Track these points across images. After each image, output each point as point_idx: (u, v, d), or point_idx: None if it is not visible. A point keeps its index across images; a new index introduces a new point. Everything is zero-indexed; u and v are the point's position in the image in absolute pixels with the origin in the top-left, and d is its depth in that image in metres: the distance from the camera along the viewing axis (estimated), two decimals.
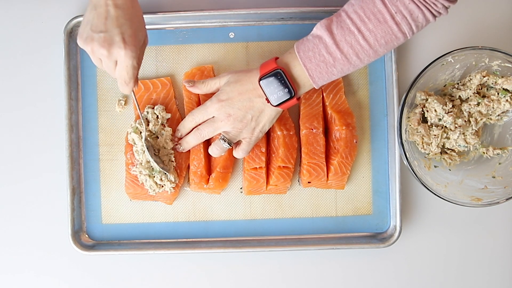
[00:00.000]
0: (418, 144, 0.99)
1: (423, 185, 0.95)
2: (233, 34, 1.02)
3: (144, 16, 0.99)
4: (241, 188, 1.03)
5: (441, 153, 1.01)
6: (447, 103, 0.97)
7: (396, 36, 0.84)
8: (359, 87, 1.03)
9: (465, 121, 0.98)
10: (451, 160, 1.01)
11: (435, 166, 1.01)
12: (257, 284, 1.04)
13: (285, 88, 0.88)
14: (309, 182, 1.00)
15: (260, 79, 0.89)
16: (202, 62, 1.03)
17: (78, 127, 1.02)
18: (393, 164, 1.01)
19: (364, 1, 0.83)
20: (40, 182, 1.03)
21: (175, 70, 1.03)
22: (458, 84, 1.00)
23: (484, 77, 0.98)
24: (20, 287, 1.04)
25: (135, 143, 0.97)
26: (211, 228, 1.03)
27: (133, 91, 0.87)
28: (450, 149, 1.01)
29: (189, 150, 0.99)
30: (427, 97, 0.98)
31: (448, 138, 0.99)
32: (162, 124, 0.98)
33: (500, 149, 1.00)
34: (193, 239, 1.03)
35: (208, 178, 0.99)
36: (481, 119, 0.99)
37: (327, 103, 1.00)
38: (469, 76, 0.99)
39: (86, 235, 1.02)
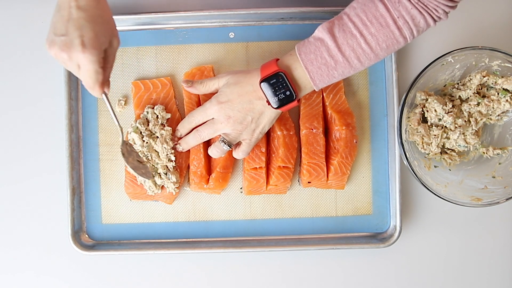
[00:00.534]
0: (418, 144, 0.99)
1: (423, 185, 0.95)
2: (233, 34, 1.02)
3: (144, 16, 1.00)
4: (241, 188, 1.03)
5: (441, 153, 1.01)
6: (447, 103, 0.97)
7: (397, 40, 0.84)
8: (359, 87, 1.03)
9: (465, 121, 0.98)
10: (451, 160, 1.01)
11: (435, 166, 1.01)
12: (257, 284, 1.04)
13: (287, 91, 0.88)
14: (309, 182, 1.00)
15: (261, 81, 0.89)
16: (202, 62, 1.03)
17: (78, 127, 1.02)
18: (393, 164, 1.01)
19: (366, 4, 0.83)
20: (40, 182, 1.03)
21: (175, 70, 1.03)
22: (458, 84, 1.00)
23: (484, 77, 0.98)
24: (20, 287, 1.04)
25: (135, 143, 0.97)
26: (211, 228, 1.03)
27: (105, 94, 0.82)
28: (450, 149, 1.01)
29: (189, 150, 0.99)
30: (427, 97, 0.98)
31: (448, 138, 0.99)
32: (162, 124, 0.98)
33: (500, 149, 1.00)
34: (193, 239, 1.03)
35: (208, 178, 0.99)
36: (481, 119, 0.99)
37: (327, 103, 1.00)
38: (469, 76, 0.99)
39: (86, 235, 1.02)
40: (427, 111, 0.98)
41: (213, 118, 0.93)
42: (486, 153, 1.00)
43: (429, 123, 0.99)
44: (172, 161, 0.98)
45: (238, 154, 0.94)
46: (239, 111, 0.90)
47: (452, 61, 0.97)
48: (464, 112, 0.99)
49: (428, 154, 1.00)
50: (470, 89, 0.98)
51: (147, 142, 0.97)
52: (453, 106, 0.98)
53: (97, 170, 1.02)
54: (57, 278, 1.04)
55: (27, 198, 1.03)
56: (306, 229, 1.03)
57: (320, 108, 1.00)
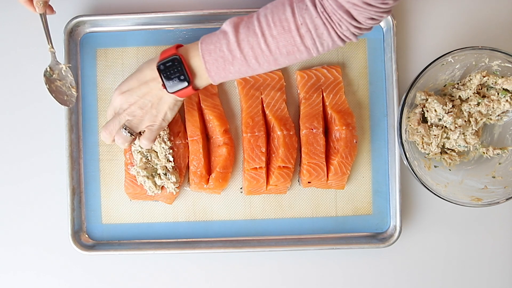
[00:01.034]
0: (418, 144, 0.99)
1: (423, 185, 0.95)
2: None
3: (144, 16, 1.00)
4: (241, 188, 1.03)
5: (441, 153, 1.01)
6: (447, 103, 0.97)
7: (298, 48, 0.82)
8: (359, 87, 1.03)
9: (465, 121, 0.98)
10: (451, 160, 1.01)
11: (435, 166, 1.01)
12: (257, 284, 1.04)
13: (181, 75, 0.86)
14: (309, 182, 1.00)
15: (158, 65, 0.88)
16: None
17: (78, 127, 1.02)
18: (393, 164, 1.01)
19: (277, 6, 0.82)
20: (40, 182, 1.03)
21: None
22: (458, 84, 1.00)
23: (484, 77, 0.98)
24: (20, 287, 1.04)
25: (134, 143, 0.97)
26: (211, 228, 1.03)
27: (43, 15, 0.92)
28: (450, 149, 1.01)
29: (188, 150, 0.99)
30: (427, 97, 0.98)
31: (448, 138, 0.99)
32: None
33: (500, 149, 1.00)
34: (193, 239, 1.03)
35: (208, 178, 0.99)
36: (481, 119, 0.99)
37: (327, 103, 1.00)
38: (469, 76, 0.99)
39: (86, 235, 1.02)
40: (427, 111, 0.98)
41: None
42: (486, 153, 1.00)
43: (429, 123, 0.99)
44: (170, 161, 0.98)
45: (142, 142, 0.93)
46: (138, 96, 0.89)
47: (452, 61, 0.97)
48: (464, 112, 0.99)
49: (428, 154, 1.00)
50: (470, 89, 0.98)
51: None
52: (453, 106, 0.98)
53: (97, 170, 1.02)
54: (57, 278, 1.04)
55: (27, 198, 1.03)
56: (306, 229, 1.03)
57: (320, 108, 1.00)
